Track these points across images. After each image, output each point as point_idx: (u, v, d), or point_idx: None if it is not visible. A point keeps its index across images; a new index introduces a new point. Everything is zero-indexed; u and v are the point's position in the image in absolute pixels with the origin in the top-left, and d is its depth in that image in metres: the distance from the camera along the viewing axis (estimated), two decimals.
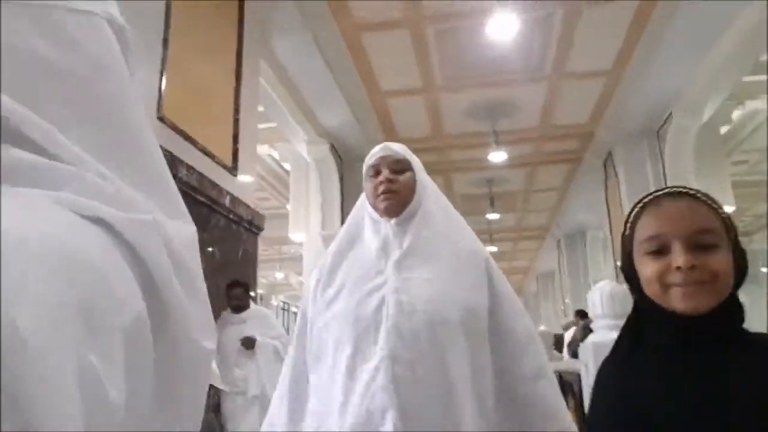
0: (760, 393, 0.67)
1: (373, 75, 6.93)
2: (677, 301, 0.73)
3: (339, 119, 7.59)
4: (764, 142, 9.57)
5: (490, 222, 11.63)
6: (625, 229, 0.79)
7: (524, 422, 1.04)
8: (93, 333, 0.26)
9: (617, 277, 9.41)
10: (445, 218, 1.22)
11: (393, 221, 1.15)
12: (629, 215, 0.78)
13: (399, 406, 0.97)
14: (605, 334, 2.37)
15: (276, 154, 9.72)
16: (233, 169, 3.96)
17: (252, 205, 4.28)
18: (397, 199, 1.16)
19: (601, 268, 11.28)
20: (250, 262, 4.29)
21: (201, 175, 3.42)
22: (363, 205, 1.23)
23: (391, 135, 8.64)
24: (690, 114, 7.22)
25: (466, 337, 1.05)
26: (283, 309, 20.12)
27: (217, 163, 3.72)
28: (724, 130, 8.46)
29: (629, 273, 0.79)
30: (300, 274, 11.78)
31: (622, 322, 2.36)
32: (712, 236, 0.70)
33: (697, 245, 0.70)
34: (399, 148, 1.22)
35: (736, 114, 8.37)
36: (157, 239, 0.35)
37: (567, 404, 3.51)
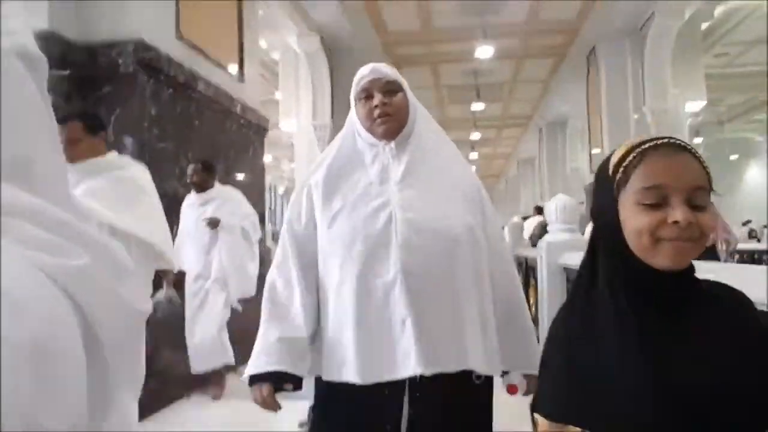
0: (721, 348, 0.65)
1: None
2: (665, 256, 0.67)
3: (329, 13, 7.63)
4: (746, 36, 9.84)
5: (474, 112, 12.01)
6: (615, 172, 0.70)
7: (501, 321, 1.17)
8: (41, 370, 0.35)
9: (591, 165, 10.09)
10: (438, 139, 1.22)
11: (392, 143, 1.14)
12: (624, 158, 0.70)
13: (415, 314, 1.02)
14: (557, 235, 3.00)
15: (264, 44, 9.72)
16: (241, 77, 4.36)
17: (257, 109, 4.74)
18: (394, 121, 1.14)
19: (578, 156, 11.88)
20: (257, 159, 4.86)
21: (216, 87, 3.85)
22: (353, 129, 1.19)
23: (380, 29, 8.70)
24: (671, 14, 7.43)
25: (469, 249, 1.10)
26: (269, 190, 20.96)
27: (228, 74, 4.12)
28: (704, 26, 8.67)
29: (610, 218, 0.70)
30: (291, 160, 12.28)
31: (570, 228, 3.05)
32: (705, 195, 0.67)
33: (692, 203, 0.66)
34: (389, 70, 1.18)
35: (718, 10, 8.52)
36: (88, 283, 0.41)
37: (530, 284, 4.28)
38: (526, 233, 6.08)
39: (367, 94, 1.14)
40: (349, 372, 1.04)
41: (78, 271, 0.42)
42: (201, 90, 3.62)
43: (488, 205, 1.20)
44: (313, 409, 1.17)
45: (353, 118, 1.18)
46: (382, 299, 1.04)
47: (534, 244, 5.29)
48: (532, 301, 3.64)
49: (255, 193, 4.83)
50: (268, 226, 9.01)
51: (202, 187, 3.25)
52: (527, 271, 3.93)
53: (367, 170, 1.13)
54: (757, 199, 14.05)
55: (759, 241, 8.00)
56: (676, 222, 0.64)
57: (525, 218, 10.69)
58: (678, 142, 0.68)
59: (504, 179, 23.91)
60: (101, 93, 2.99)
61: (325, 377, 1.10)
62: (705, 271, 0.73)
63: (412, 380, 1.02)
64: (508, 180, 22.55)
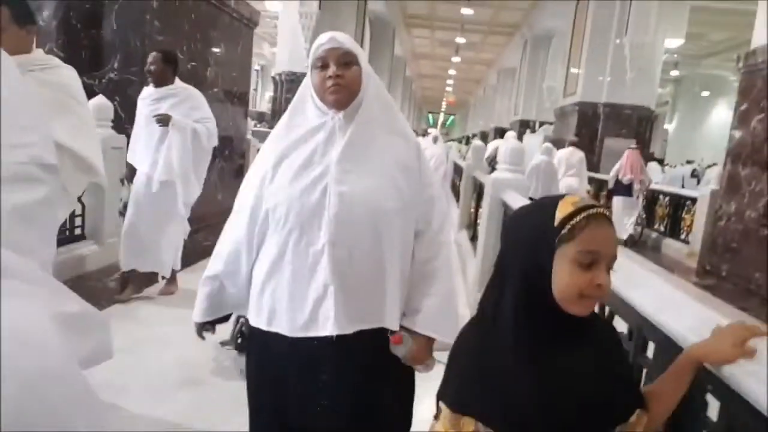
0: (590, 370, 0.78)
1: None
2: (582, 308, 0.78)
3: None
4: None
5: (462, 16, 11.79)
6: (561, 226, 0.78)
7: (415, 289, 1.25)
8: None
9: (566, 85, 10.34)
10: (386, 111, 1.25)
11: (341, 114, 1.18)
12: (572, 216, 0.78)
13: (338, 283, 1.13)
14: (503, 173, 3.33)
15: None
16: None
17: (249, 2, 4.76)
18: (345, 92, 1.17)
19: (557, 75, 12.05)
20: (246, 54, 4.99)
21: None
22: (306, 93, 1.22)
23: None
24: None
25: (399, 225, 1.18)
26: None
27: None
28: None
29: (544, 262, 0.78)
30: (274, 45, 11.97)
31: (515, 169, 3.53)
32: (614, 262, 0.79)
33: (608, 267, 0.78)
34: (346, 40, 1.20)
35: None
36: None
37: (479, 206, 4.76)
38: (485, 154, 6.51)
39: (322, 63, 1.17)
40: (279, 324, 1.17)
41: (74, 317, 0.53)
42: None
43: (426, 172, 1.27)
44: (247, 357, 1.32)
45: (307, 83, 1.21)
46: (310, 265, 1.14)
47: (490, 165, 5.72)
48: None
49: (241, 90, 5.02)
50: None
51: (160, 80, 2.99)
52: (480, 192, 4.39)
53: (314, 137, 1.19)
54: (719, 137, 14.82)
55: (699, 182, 8.72)
56: (599, 285, 0.75)
57: (485, 139, 11.02)
58: (606, 213, 0.78)
59: (483, 86, 23.84)
60: None
61: (253, 324, 1.22)
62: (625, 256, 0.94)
63: (339, 337, 1.13)
64: (487, 87, 22.53)
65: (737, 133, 4.14)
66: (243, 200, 1.25)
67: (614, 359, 0.84)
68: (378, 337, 1.17)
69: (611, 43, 8.53)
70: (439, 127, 38.60)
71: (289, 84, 8.79)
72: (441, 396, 0.83)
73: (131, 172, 3.07)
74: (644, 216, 6.52)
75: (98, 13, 3.38)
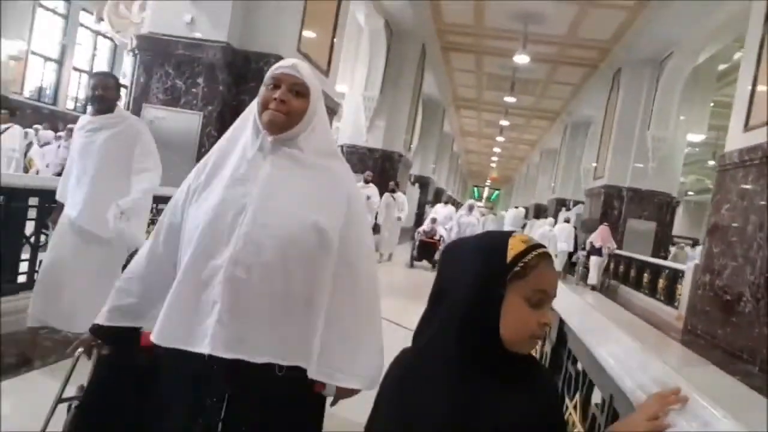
0: (525, 418, 0.79)
1: None
2: (526, 347, 0.80)
3: (396, 4, 9.04)
4: None
5: (506, 102, 13.41)
6: (513, 263, 0.78)
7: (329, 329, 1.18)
8: None
9: (594, 171, 11.48)
10: (323, 153, 1.24)
11: (271, 138, 1.17)
12: (524, 254, 0.79)
13: (227, 301, 1.09)
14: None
15: None
16: (327, 71, 5.98)
17: (333, 97, 6.37)
18: (282, 119, 1.16)
19: (592, 159, 13.26)
20: None
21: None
22: (252, 109, 1.22)
23: (438, 19, 10.11)
24: (688, 55, 8.78)
25: (309, 256, 1.14)
26: None
27: (322, 70, 5.75)
28: (722, 67, 9.95)
29: (494, 298, 0.78)
30: (338, 120, 13.91)
31: (516, 231, 4.82)
32: None
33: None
34: (306, 72, 1.21)
35: (737, 55, 9.78)
36: None
37: None
38: (515, 222, 7.89)
39: (274, 84, 1.18)
40: (159, 334, 1.14)
41: None
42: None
43: (356, 216, 1.25)
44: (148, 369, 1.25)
45: (255, 101, 1.23)
46: (205, 279, 1.12)
47: None
48: None
49: None
50: None
51: (102, 105, 2.71)
52: None
53: (242, 155, 1.19)
54: None
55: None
56: (546, 324, 0.79)
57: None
58: (552, 257, 0.83)
59: (527, 164, 25.31)
60: (248, 86, 4.64)
61: (153, 338, 1.16)
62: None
63: (234, 363, 1.09)
64: (530, 166, 23.97)
65: (712, 219, 5.26)
66: (168, 207, 1.28)
67: (549, 411, 0.84)
68: (269, 371, 1.12)
69: (636, 134, 9.79)
70: (483, 200, 40.13)
71: (348, 155, 10.33)
72: (369, 428, 0.86)
73: (58, 211, 2.79)
74: (610, 270, 9.28)
75: None
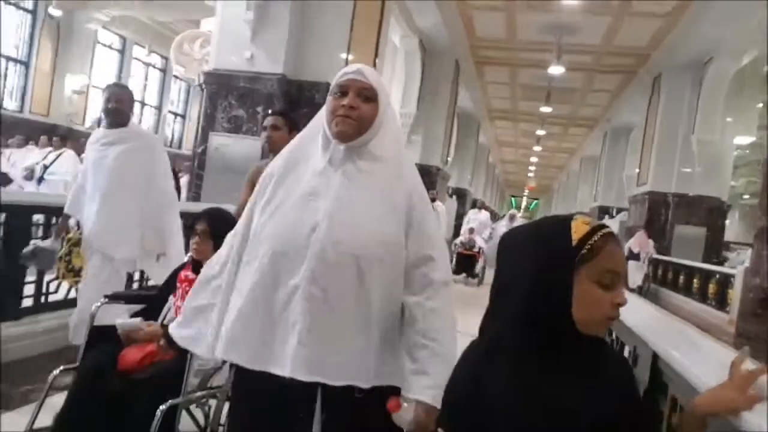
0: (605, 403, 0.79)
1: None
2: (601, 328, 0.81)
3: (430, 20, 9.40)
4: None
5: (542, 113, 13.52)
6: (580, 246, 0.78)
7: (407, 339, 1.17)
8: None
9: (638, 177, 11.42)
10: (395, 154, 1.23)
11: (342, 146, 1.16)
12: (588, 236, 0.78)
13: (308, 321, 1.09)
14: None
15: None
16: None
17: None
18: (352, 126, 1.15)
19: (635, 165, 13.12)
20: None
21: None
22: (320, 121, 1.22)
23: (471, 34, 10.41)
24: (730, 58, 8.77)
25: (383, 270, 1.13)
26: None
27: None
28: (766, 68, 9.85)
29: (562, 282, 0.77)
30: None
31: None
32: None
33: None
34: (371, 76, 1.20)
35: None
36: None
37: None
38: None
39: (341, 91, 1.17)
40: (239, 353, 1.15)
41: None
42: None
43: (423, 222, 1.22)
44: (232, 392, 1.30)
45: (323, 111, 1.21)
46: (284, 299, 1.12)
47: None
48: None
49: None
50: None
51: (116, 118, 2.68)
52: None
53: (315, 167, 1.18)
54: None
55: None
56: (620, 304, 0.78)
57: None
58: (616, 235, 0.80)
59: (566, 172, 25.13)
60: (301, 112, 5.03)
61: (217, 353, 1.19)
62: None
63: (315, 384, 1.09)
64: (570, 174, 23.80)
65: (759, 221, 5.30)
66: (240, 222, 1.27)
67: (627, 392, 0.84)
68: (349, 393, 1.11)
69: (679, 138, 9.77)
70: (522, 210, 39.79)
71: None
72: (441, 423, 0.88)
73: (63, 224, 2.82)
74: (650, 275, 9.48)
75: None
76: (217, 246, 1.44)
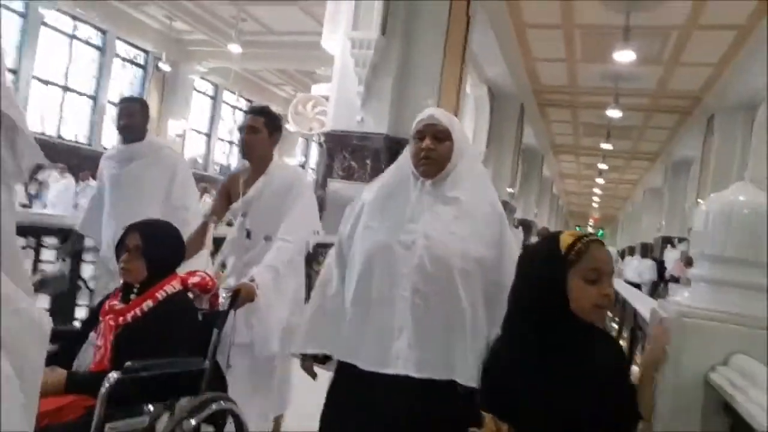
0: (599, 375, 1.03)
1: (529, 46, 10.07)
2: (595, 316, 1.03)
3: (497, 71, 10.88)
4: None
5: (603, 150, 14.59)
6: (568, 253, 1.01)
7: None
8: None
9: (697, 202, 12.16)
10: (475, 181, 1.46)
11: (429, 182, 1.40)
12: (574, 244, 1.02)
13: (413, 327, 1.31)
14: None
15: None
16: None
17: None
18: (434, 165, 1.39)
19: (696, 197, 13.85)
20: None
21: None
22: (407, 160, 1.44)
23: (534, 81, 11.82)
24: None
25: (473, 282, 1.36)
26: None
27: None
28: None
29: (558, 283, 1.00)
30: None
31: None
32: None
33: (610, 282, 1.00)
34: (444, 119, 1.42)
35: None
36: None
37: None
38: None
39: (420, 136, 1.41)
40: (357, 357, 1.36)
41: (4, 302, 0.51)
42: None
43: (507, 241, 1.44)
44: (331, 385, 1.48)
45: (407, 151, 1.45)
46: (391, 307, 1.34)
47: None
48: None
49: None
50: None
51: (130, 134, 2.62)
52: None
53: (408, 198, 1.41)
54: None
55: None
56: (607, 295, 1.02)
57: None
58: (601, 240, 1.03)
59: (631, 203, 25.64)
60: None
61: (336, 356, 1.45)
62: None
63: (411, 380, 1.29)
64: (634, 205, 24.33)
65: None
66: (336, 246, 1.54)
67: (616, 368, 1.08)
68: (448, 389, 1.29)
69: (734, 175, 10.63)
70: None
71: None
72: (483, 404, 1.09)
73: (72, 243, 2.77)
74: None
75: None
76: (150, 267, 1.63)
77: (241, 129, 2.31)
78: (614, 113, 10.79)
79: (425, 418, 1.29)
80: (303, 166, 22.15)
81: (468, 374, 1.29)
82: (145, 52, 14.74)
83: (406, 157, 1.48)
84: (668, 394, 1.16)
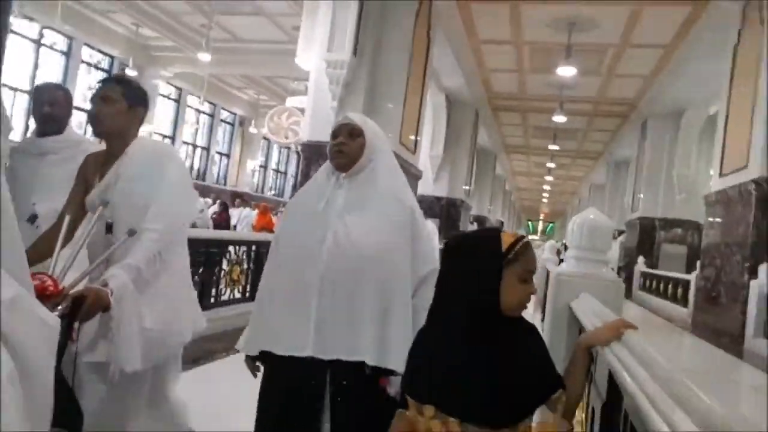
0: (524, 362, 1.08)
1: (483, 60, 11.03)
2: (518, 311, 1.10)
3: (455, 81, 11.81)
4: None
5: (551, 150, 15.81)
6: (508, 252, 1.06)
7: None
8: None
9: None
10: (389, 178, 1.55)
11: (343, 174, 1.50)
12: (514, 245, 1.07)
13: (323, 313, 1.41)
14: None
15: None
16: (414, 149, 8.69)
17: (420, 170, 9.04)
18: (346, 158, 1.49)
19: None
20: None
21: (407, 161, 8.23)
22: (322, 169, 1.59)
23: (488, 90, 12.81)
24: (699, 109, 11.00)
25: (383, 272, 1.44)
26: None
27: (410, 151, 8.47)
28: None
29: (493, 278, 1.04)
30: None
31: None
32: None
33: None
34: (357, 119, 1.54)
35: None
36: (17, 314, 0.48)
37: None
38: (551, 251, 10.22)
39: (334, 135, 1.53)
40: (275, 344, 1.45)
41: (10, 303, 0.49)
42: (404, 167, 8.01)
43: (420, 233, 1.55)
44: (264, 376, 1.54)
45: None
46: (303, 296, 1.43)
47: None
48: None
49: None
50: None
51: (50, 125, 2.37)
52: None
53: (324, 192, 1.52)
54: None
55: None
56: (532, 293, 1.10)
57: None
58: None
59: (577, 198, 27.31)
60: None
61: (258, 347, 1.52)
62: None
63: (333, 362, 1.39)
64: (581, 200, 25.97)
65: (704, 241, 7.50)
66: (270, 252, 1.63)
67: (538, 351, 1.13)
68: (358, 369, 1.39)
69: (663, 172, 11.96)
70: (539, 234, 42.05)
71: (420, 203, 12.91)
72: (406, 389, 1.13)
73: None
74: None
75: None
76: None
77: (92, 99, 1.89)
78: (559, 118, 11.90)
79: (342, 398, 1.41)
80: (264, 167, 22.71)
81: (376, 356, 1.40)
82: (111, 57, 14.93)
83: (326, 163, 1.61)
84: (551, 314, 2.35)
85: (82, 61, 14.12)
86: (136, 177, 1.85)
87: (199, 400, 2.25)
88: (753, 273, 5.83)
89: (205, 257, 5.52)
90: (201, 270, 5.35)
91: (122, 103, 1.88)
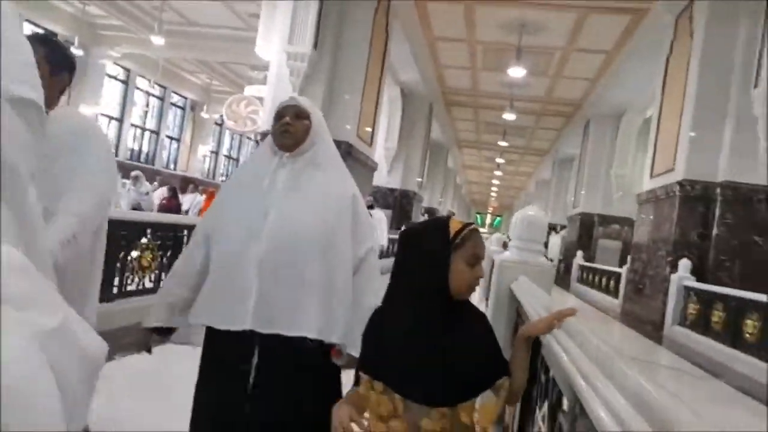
0: (472, 347, 1.13)
1: (438, 56, 11.38)
2: (467, 294, 1.15)
3: (410, 75, 12.12)
4: None
5: (500, 146, 16.42)
6: (455, 237, 1.12)
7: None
8: None
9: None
10: (331, 163, 1.59)
11: (287, 154, 1.52)
12: (461, 230, 1.13)
13: (259, 285, 1.43)
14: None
15: None
16: (371, 142, 8.94)
17: (375, 162, 9.30)
18: (291, 138, 1.50)
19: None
20: (365, 191, 9.44)
21: (364, 153, 8.47)
22: (269, 141, 1.57)
23: (442, 85, 13.20)
24: (637, 112, 11.75)
25: (323, 252, 1.48)
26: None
27: (366, 143, 8.73)
28: None
29: (443, 263, 1.10)
30: None
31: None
32: None
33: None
34: (303, 101, 1.55)
35: None
36: (60, 344, 0.48)
37: None
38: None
39: (280, 116, 1.53)
40: (212, 318, 1.48)
41: (53, 332, 0.49)
42: (360, 159, 8.25)
43: (360, 217, 1.59)
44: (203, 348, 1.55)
45: (269, 140, 1.57)
46: (243, 271, 1.45)
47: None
48: None
49: None
50: None
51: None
52: None
53: (266, 171, 1.53)
54: None
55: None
56: (480, 277, 1.14)
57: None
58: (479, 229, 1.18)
59: (524, 193, 28.35)
60: None
61: (194, 321, 1.52)
62: None
63: (262, 336, 1.42)
64: (528, 195, 26.99)
65: (633, 237, 8.14)
66: (205, 217, 1.66)
67: (486, 338, 1.18)
68: (299, 343, 1.43)
69: (603, 171, 12.73)
70: (487, 226, 43.32)
71: (374, 194, 13.19)
72: (360, 366, 1.20)
73: None
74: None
75: None
76: None
77: None
78: (509, 116, 12.44)
79: (280, 372, 1.45)
80: (216, 152, 22.40)
81: (318, 331, 1.44)
82: (54, 34, 14.36)
83: (266, 142, 1.61)
84: (495, 295, 2.74)
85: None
86: (57, 151, 1.61)
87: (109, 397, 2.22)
88: (674, 267, 6.43)
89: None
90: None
91: (44, 66, 1.59)
